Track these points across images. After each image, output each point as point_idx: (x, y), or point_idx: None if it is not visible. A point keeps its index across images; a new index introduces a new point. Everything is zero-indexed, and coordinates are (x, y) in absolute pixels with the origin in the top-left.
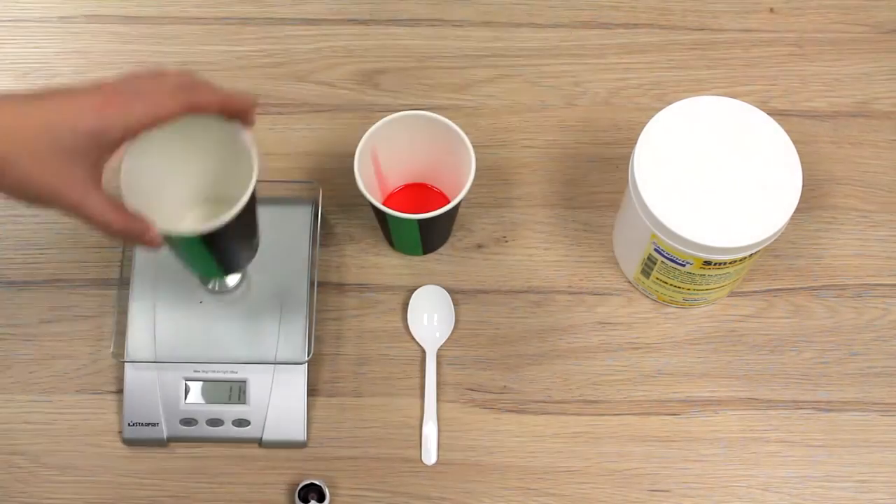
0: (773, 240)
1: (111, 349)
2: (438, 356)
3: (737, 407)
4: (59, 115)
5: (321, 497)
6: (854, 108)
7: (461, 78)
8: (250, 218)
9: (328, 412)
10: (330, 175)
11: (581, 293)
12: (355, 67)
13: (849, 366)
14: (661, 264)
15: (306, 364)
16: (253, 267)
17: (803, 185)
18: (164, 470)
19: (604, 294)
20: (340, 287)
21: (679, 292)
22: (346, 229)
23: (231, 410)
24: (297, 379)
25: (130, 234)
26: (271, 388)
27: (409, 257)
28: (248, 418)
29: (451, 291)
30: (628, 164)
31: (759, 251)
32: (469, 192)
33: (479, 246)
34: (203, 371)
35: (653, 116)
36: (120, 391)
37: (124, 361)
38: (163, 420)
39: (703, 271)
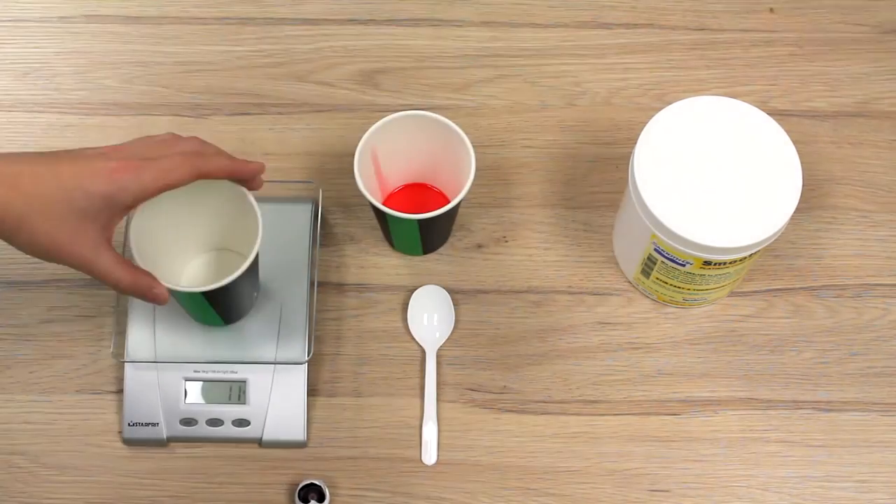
0: (773, 240)
1: (111, 349)
2: (438, 356)
3: (737, 407)
4: (73, 179)
5: (321, 497)
6: (854, 108)
7: (461, 78)
8: (252, 276)
9: (328, 412)
10: (330, 175)
11: (581, 293)
12: (355, 67)
13: (849, 366)
14: (661, 264)
15: (306, 364)
16: None
17: (803, 185)
18: (164, 470)
19: (604, 294)
20: (340, 287)
21: (679, 292)
22: (346, 229)
23: (231, 410)
24: (297, 379)
25: (138, 290)
26: (271, 388)
27: (409, 257)
28: (247, 418)
29: (451, 291)
30: (628, 164)
31: (759, 251)
32: (469, 192)
33: (479, 246)
34: (203, 371)
35: (653, 116)
36: (120, 391)
37: (124, 361)
38: (163, 420)
39: (703, 271)
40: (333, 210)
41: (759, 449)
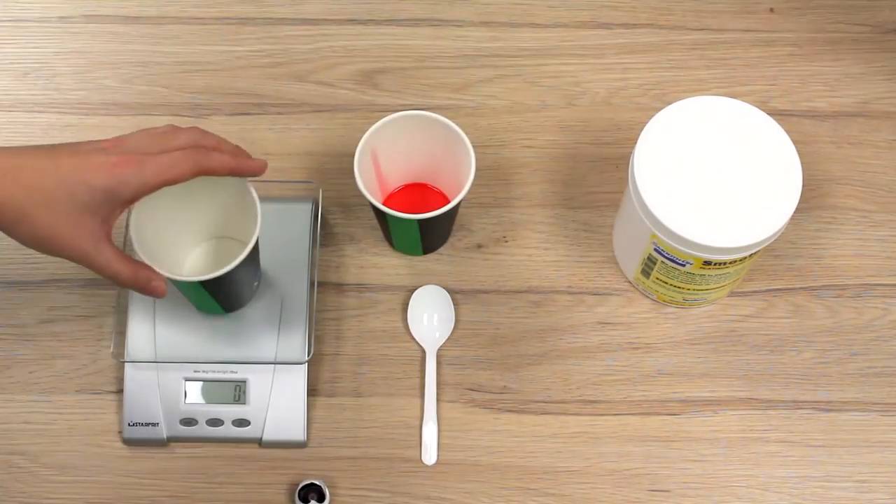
0: (773, 240)
1: (111, 349)
2: (438, 356)
3: (737, 407)
4: (74, 173)
5: (321, 497)
6: (854, 108)
7: (460, 78)
8: (252, 265)
9: (328, 412)
10: (330, 175)
11: (581, 293)
12: (355, 67)
13: (849, 366)
14: (661, 264)
15: (306, 364)
16: None
17: (803, 186)
18: (164, 470)
19: (604, 294)
20: (340, 287)
21: (679, 292)
22: (346, 229)
23: (231, 410)
24: (297, 379)
25: (137, 283)
26: (271, 388)
27: (409, 257)
28: (247, 418)
29: (451, 291)
30: (628, 164)
31: (759, 251)
32: (469, 192)
33: (479, 246)
34: (203, 371)
35: (653, 116)
36: (120, 391)
37: (124, 361)
38: (163, 420)
39: (703, 271)
40: (333, 210)
41: (759, 449)
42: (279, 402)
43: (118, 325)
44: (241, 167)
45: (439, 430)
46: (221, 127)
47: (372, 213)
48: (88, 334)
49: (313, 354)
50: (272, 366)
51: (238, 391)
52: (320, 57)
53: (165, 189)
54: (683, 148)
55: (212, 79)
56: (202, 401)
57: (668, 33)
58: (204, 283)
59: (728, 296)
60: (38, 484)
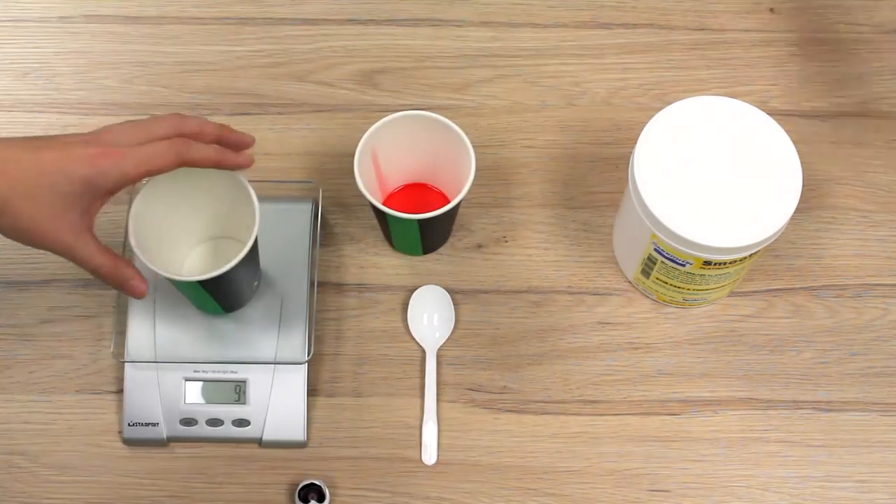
0: (773, 240)
1: (111, 349)
2: (438, 356)
3: (737, 407)
4: (56, 164)
5: (321, 497)
6: (854, 108)
7: (460, 78)
8: (251, 265)
9: (328, 412)
10: (330, 175)
11: (581, 293)
12: (355, 67)
13: (849, 366)
14: (661, 264)
15: (306, 364)
16: None
17: (803, 186)
18: (164, 470)
19: (604, 294)
20: (340, 287)
21: (679, 292)
22: (346, 229)
23: (231, 410)
24: (297, 379)
25: (117, 279)
26: (271, 388)
27: (409, 257)
28: (247, 418)
29: (451, 291)
30: (628, 164)
31: (759, 251)
32: (469, 192)
33: (479, 246)
34: (203, 371)
35: (653, 116)
36: (120, 391)
37: (124, 361)
38: (163, 420)
39: (703, 271)
40: (333, 210)
41: (759, 449)
42: (279, 402)
43: (118, 325)
44: (224, 161)
45: (439, 430)
46: None
47: (372, 213)
48: (88, 334)
49: (313, 354)
50: (272, 366)
51: (238, 391)
52: (320, 57)
53: (162, 187)
54: (683, 148)
55: (212, 79)
56: (202, 401)
57: (668, 33)
58: (203, 283)
59: (728, 296)
60: (38, 484)
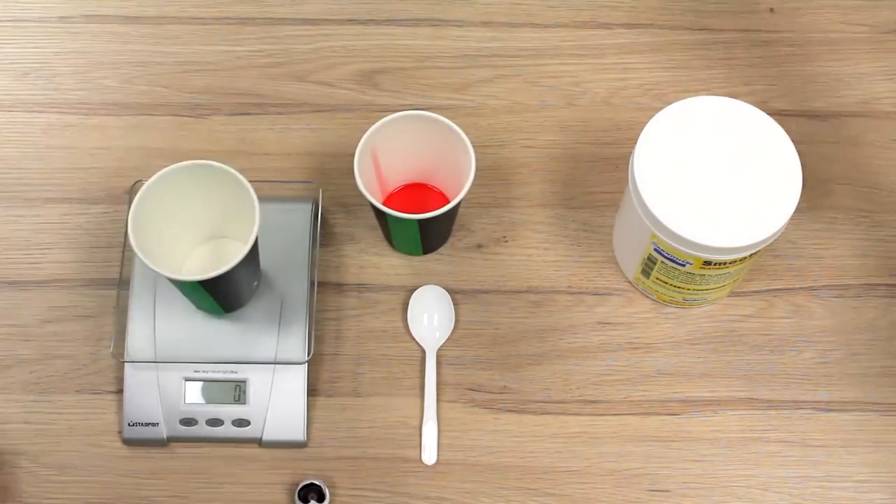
0: (772, 240)
1: (111, 349)
2: (438, 356)
3: (737, 407)
4: None
5: (321, 497)
6: (854, 108)
7: (461, 78)
8: (251, 265)
9: (328, 412)
10: (330, 175)
11: (581, 293)
12: (355, 67)
13: (849, 366)
14: (661, 264)
15: (306, 364)
16: None
17: (803, 185)
18: (164, 470)
19: (604, 294)
20: (340, 287)
21: (679, 292)
22: (346, 229)
23: (231, 410)
24: (297, 379)
25: None
26: (271, 388)
27: (409, 257)
28: (247, 418)
29: (450, 291)
30: (628, 164)
31: (759, 251)
32: (469, 192)
33: (479, 246)
34: (203, 371)
35: (653, 116)
36: (120, 391)
37: (124, 361)
38: (163, 420)
39: (703, 271)
40: (333, 210)
41: (759, 449)
42: (279, 402)
43: (118, 325)
44: None
45: (439, 430)
46: (221, 127)
47: (372, 213)
48: (88, 334)
49: (313, 354)
50: (272, 366)
51: (238, 391)
52: (320, 57)
53: (164, 189)
54: (683, 148)
55: (212, 79)
56: (202, 401)
57: (668, 33)
58: (203, 283)
59: (728, 296)
60: (38, 484)
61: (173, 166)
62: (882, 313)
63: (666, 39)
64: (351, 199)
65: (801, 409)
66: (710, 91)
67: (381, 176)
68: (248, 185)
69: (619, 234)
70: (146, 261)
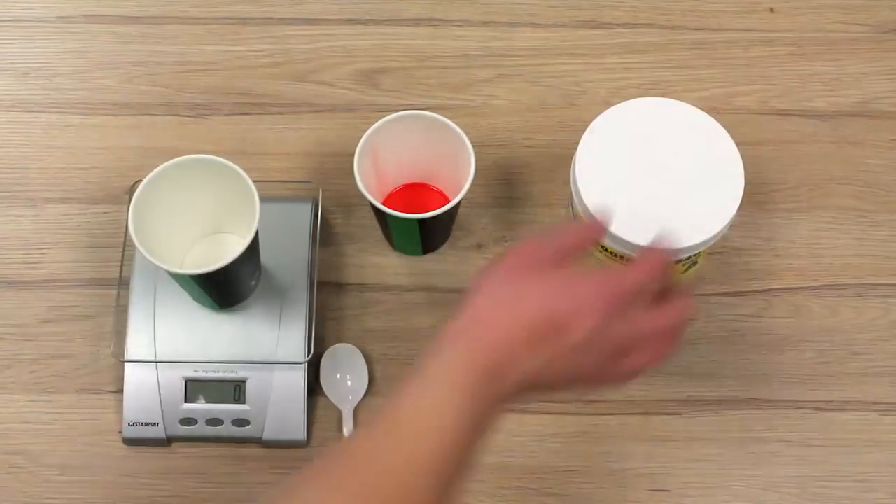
0: (713, 241)
1: (111, 349)
2: None
3: (737, 407)
4: None
5: None
6: (854, 108)
7: (461, 78)
8: (249, 263)
9: (328, 412)
10: (330, 175)
11: None
12: (355, 67)
13: (849, 366)
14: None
15: (306, 364)
16: None
17: (804, 185)
18: (164, 470)
19: None
20: (340, 287)
21: None
22: (346, 229)
23: (231, 410)
24: (297, 378)
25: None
26: (271, 388)
27: (409, 257)
28: (247, 418)
29: (450, 291)
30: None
31: (701, 252)
32: (469, 191)
33: (479, 246)
34: (203, 371)
35: (596, 118)
36: (120, 391)
37: (124, 361)
38: (163, 420)
39: None
40: (333, 210)
41: (759, 449)
42: (279, 401)
43: (118, 324)
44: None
45: None
46: (221, 127)
47: (372, 213)
48: (88, 334)
49: (313, 354)
50: (272, 365)
51: (238, 391)
52: (320, 57)
53: (165, 183)
54: (626, 150)
55: (212, 79)
56: (202, 400)
57: (668, 33)
58: (201, 277)
59: (728, 296)
60: (38, 484)
61: (174, 161)
62: (882, 313)
63: (666, 39)
64: (351, 199)
65: (801, 409)
66: (710, 91)
67: (381, 176)
68: (248, 180)
69: None
70: (147, 254)
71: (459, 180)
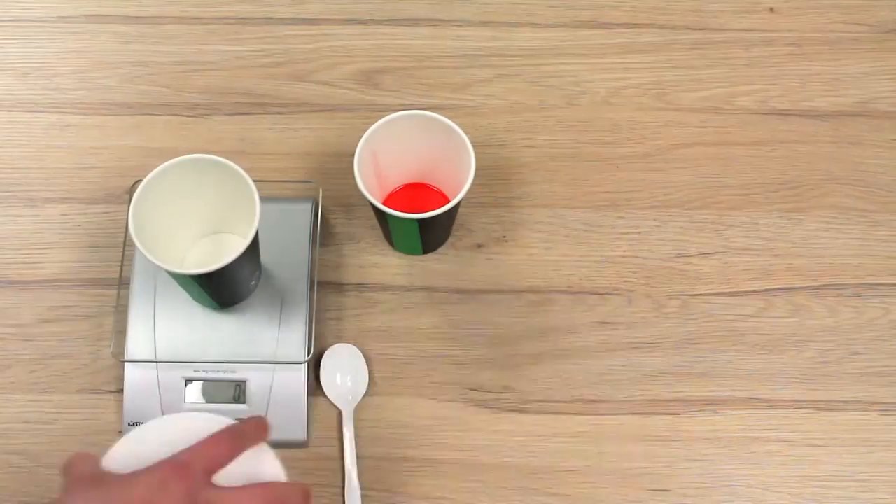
0: None
1: (111, 349)
2: (439, 356)
3: (737, 407)
4: None
5: None
6: (854, 107)
7: (461, 78)
8: (248, 263)
9: (328, 412)
10: (330, 175)
11: (581, 293)
12: (355, 67)
13: (849, 366)
14: None
15: (306, 364)
16: None
17: (804, 185)
18: None
19: (604, 294)
20: (340, 287)
21: None
22: (346, 229)
23: (231, 410)
24: (297, 379)
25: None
26: (271, 388)
27: (409, 257)
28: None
29: (450, 291)
30: (627, 163)
31: None
32: (469, 191)
33: (479, 246)
34: (203, 371)
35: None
36: (120, 391)
37: (124, 361)
38: None
39: None
40: (333, 210)
41: (759, 448)
42: (279, 401)
43: (118, 324)
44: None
45: (440, 429)
46: (221, 127)
47: (372, 213)
48: (88, 334)
49: (313, 354)
50: (272, 365)
51: (238, 391)
52: (320, 57)
53: (165, 183)
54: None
55: (212, 79)
56: (202, 401)
57: (668, 33)
58: (202, 277)
59: (728, 295)
60: (39, 484)
61: (174, 160)
62: (882, 313)
63: (666, 39)
64: (351, 199)
65: (801, 408)
66: (710, 90)
67: (381, 176)
68: (249, 179)
69: None
70: (147, 254)
71: (459, 180)
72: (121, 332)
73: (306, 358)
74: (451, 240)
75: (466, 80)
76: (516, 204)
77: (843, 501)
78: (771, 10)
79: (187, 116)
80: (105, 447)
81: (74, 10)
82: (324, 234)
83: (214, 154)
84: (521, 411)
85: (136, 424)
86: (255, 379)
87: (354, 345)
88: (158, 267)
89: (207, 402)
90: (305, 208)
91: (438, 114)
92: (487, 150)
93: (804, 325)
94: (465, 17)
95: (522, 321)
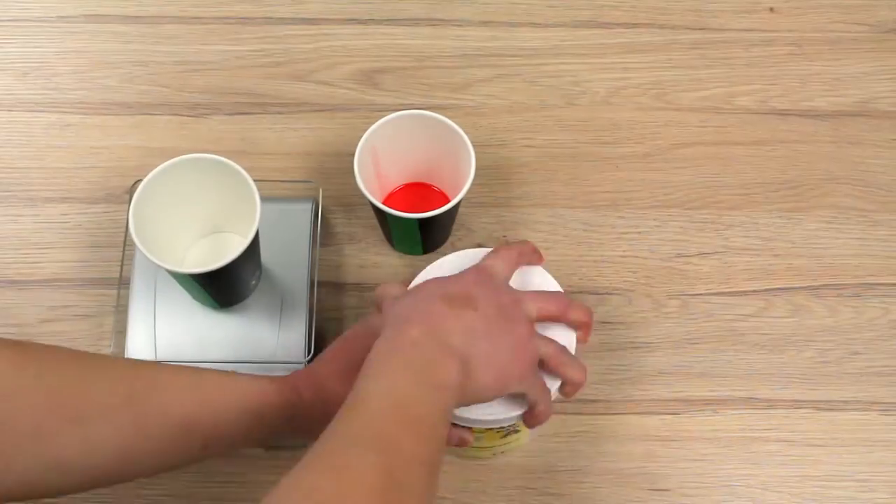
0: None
1: (111, 349)
2: None
3: (736, 407)
4: None
5: None
6: (854, 107)
7: (460, 78)
8: (248, 263)
9: None
10: (330, 175)
11: (581, 293)
12: (355, 67)
13: (849, 365)
14: None
15: (306, 363)
16: None
17: (804, 185)
18: None
19: (604, 294)
20: (340, 287)
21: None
22: (346, 229)
23: None
24: None
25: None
26: None
27: (409, 257)
28: None
29: None
30: (626, 163)
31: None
32: (469, 191)
33: (480, 246)
34: None
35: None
36: None
37: None
38: None
39: None
40: (333, 210)
41: (759, 448)
42: None
43: (118, 324)
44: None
45: None
46: (221, 127)
47: (372, 213)
48: (88, 334)
49: (313, 354)
50: (272, 365)
51: None
52: (320, 57)
53: (166, 182)
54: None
55: (212, 79)
56: None
57: (667, 33)
58: (198, 277)
59: (728, 295)
60: None
61: (174, 160)
62: (882, 313)
63: (665, 39)
64: (351, 199)
65: (801, 408)
66: (710, 90)
67: (381, 175)
68: (249, 179)
69: None
70: (147, 254)
71: (459, 180)
72: (121, 332)
73: (306, 358)
74: (451, 240)
75: (466, 80)
76: (516, 204)
77: (842, 501)
78: (771, 9)
79: (187, 116)
80: None
81: (74, 9)
82: (324, 233)
83: (215, 154)
84: None
85: None
86: None
87: None
88: (159, 266)
89: None
90: (305, 208)
91: (438, 114)
92: (487, 150)
93: (804, 325)
94: (465, 17)
95: None
